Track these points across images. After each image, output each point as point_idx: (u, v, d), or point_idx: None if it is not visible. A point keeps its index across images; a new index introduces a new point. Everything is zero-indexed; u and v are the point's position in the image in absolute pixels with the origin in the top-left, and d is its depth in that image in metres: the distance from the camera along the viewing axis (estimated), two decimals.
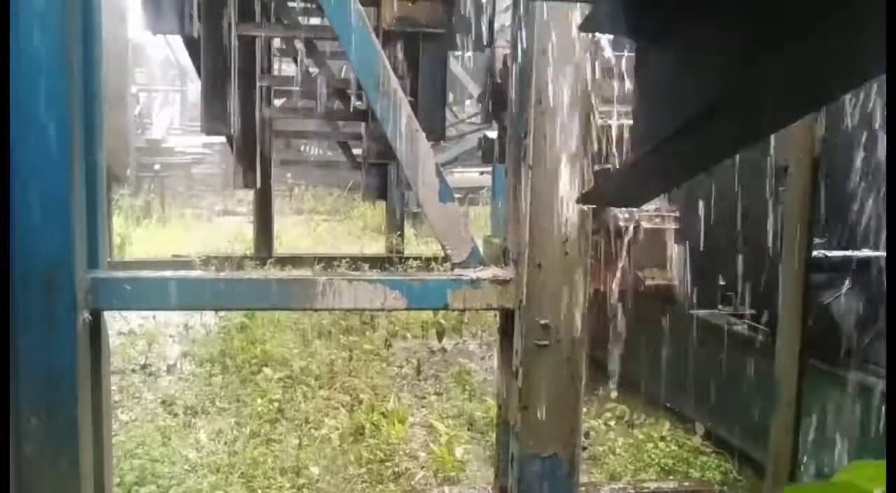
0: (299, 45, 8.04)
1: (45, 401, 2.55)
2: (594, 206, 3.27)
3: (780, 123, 1.14)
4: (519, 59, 2.81)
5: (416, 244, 11.99)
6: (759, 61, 0.75)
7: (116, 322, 6.39)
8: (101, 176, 2.77)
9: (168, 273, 2.87)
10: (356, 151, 9.89)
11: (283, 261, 9.23)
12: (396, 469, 4.07)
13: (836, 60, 0.75)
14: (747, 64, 0.77)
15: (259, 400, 4.87)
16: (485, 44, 7.06)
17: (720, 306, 4.50)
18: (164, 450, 4.13)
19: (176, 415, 4.76)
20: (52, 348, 2.52)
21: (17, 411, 2.54)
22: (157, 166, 17.08)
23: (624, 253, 4.78)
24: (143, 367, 5.75)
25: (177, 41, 11.85)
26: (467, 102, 18.99)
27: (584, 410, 3.28)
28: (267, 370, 5.37)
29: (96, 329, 2.72)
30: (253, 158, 6.52)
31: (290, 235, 12.74)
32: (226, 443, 4.31)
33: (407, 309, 2.86)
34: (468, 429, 4.73)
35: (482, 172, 15.00)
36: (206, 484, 3.74)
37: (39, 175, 2.47)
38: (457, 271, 2.86)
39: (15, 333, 2.50)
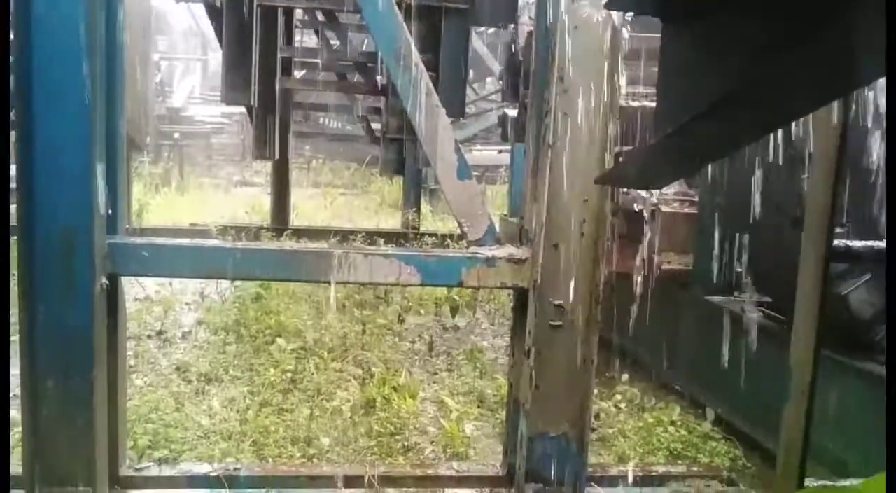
0: (321, 16, 7.99)
1: (62, 363, 2.59)
2: (613, 187, 3.25)
3: (803, 110, 1.13)
4: (542, 37, 2.78)
5: (433, 221, 11.98)
6: (785, 48, 0.73)
7: (133, 288, 6.46)
8: (122, 143, 2.78)
9: (185, 241, 2.89)
10: (375, 126, 9.87)
11: (300, 233, 9.26)
12: (406, 443, 4.10)
13: (860, 51, 0.74)
14: (773, 51, 0.75)
15: (272, 370, 4.91)
16: (507, 20, 6.99)
17: (736, 293, 4.47)
18: (178, 416, 4.18)
19: (190, 382, 4.82)
20: (70, 311, 2.56)
21: (34, 372, 2.58)
22: (176, 135, 17.14)
23: (641, 236, 4.75)
24: (159, 333, 5.81)
25: (199, 9, 11.82)
26: (488, 79, 18.88)
27: (595, 392, 3.29)
28: (280, 341, 5.40)
29: (113, 294, 2.75)
30: (272, 129, 6.52)
31: (307, 207, 12.76)
32: (238, 411, 4.36)
33: (421, 285, 2.86)
34: (478, 406, 4.75)
35: (501, 151, 14.94)
36: (218, 451, 3.79)
37: (61, 141, 2.49)
38: (472, 248, 2.86)
39: (34, 295, 2.54)
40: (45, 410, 2.60)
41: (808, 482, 2.72)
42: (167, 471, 3.06)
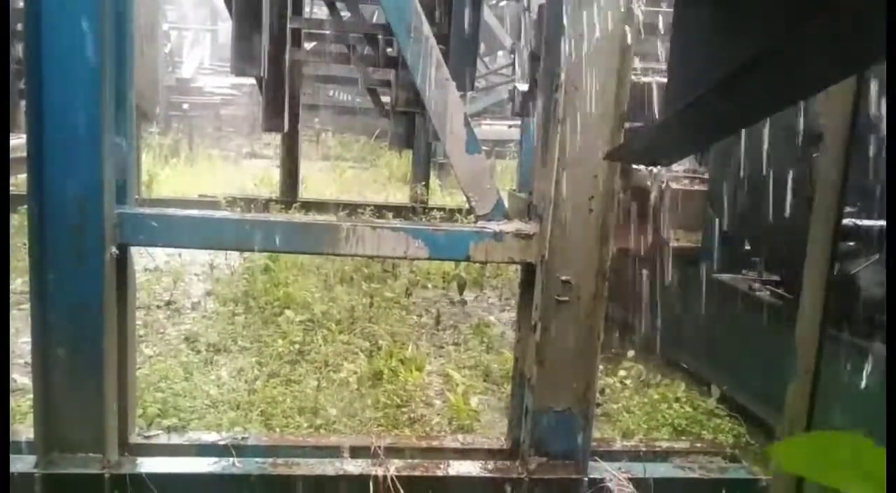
0: None
1: (72, 332, 2.61)
2: (623, 163, 3.23)
3: (820, 85, 1.11)
4: (553, 10, 2.75)
5: (441, 195, 11.97)
6: (803, 19, 0.72)
7: (143, 259, 6.49)
8: (131, 113, 2.78)
9: (194, 212, 2.90)
10: (385, 99, 9.82)
11: (308, 206, 9.27)
12: (412, 415, 4.14)
13: (881, 24, 0.73)
14: (790, 22, 0.74)
15: (280, 341, 4.94)
16: None
17: (744, 271, 4.46)
18: (186, 385, 4.22)
19: (198, 352, 4.86)
20: (81, 280, 2.58)
21: (45, 340, 2.61)
22: (185, 106, 17.11)
23: (650, 213, 4.74)
24: (168, 303, 5.85)
25: None
26: (499, 52, 18.73)
27: (601, 367, 3.30)
28: (289, 313, 5.44)
29: (123, 264, 2.77)
30: (281, 101, 6.49)
31: (316, 180, 12.76)
32: (246, 381, 4.40)
33: (429, 259, 2.87)
34: (484, 380, 4.78)
35: (511, 126, 14.87)
36: (226, 420, 3.83)
37: (71, 110, 2.49)
38: (480, 223, 2.86)
39: (44, 264, 2.56)
40: (55, 377, 2.63)
41: None
42: (176, 439, 3.10)
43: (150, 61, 8.70)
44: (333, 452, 3.01)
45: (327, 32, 7.92)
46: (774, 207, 3.86)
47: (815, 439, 0.72)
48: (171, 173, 12.47)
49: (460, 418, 4.08)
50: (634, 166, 4.78)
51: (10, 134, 5.97)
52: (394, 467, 2.82)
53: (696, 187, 4.96)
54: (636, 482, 2.90)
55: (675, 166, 4.96)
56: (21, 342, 4.25)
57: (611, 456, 3.09)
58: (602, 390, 4.47)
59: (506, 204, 2.96)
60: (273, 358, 4.72)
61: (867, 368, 3.33)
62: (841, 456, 0.71)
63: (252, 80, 10.22)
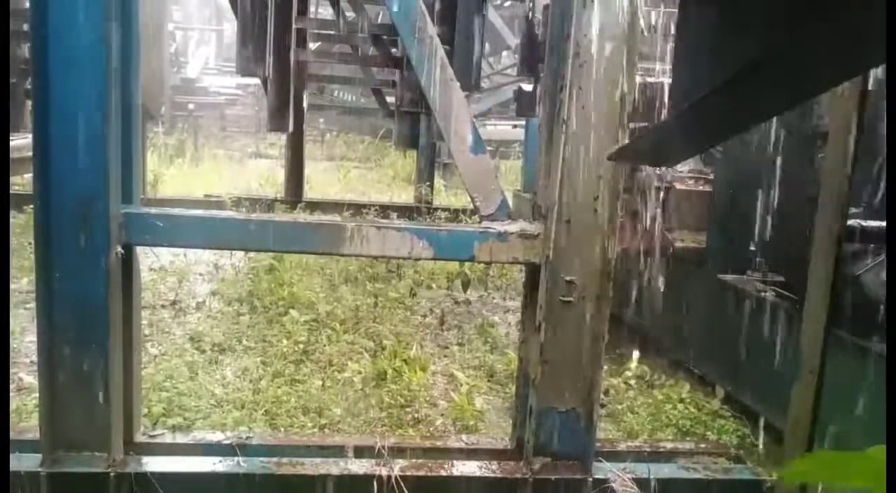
0: None
1: (78, 331, 2.62)
2: (627, 164, 3.23)
3: (827, 84, 1.11)
4: (558, 10, 2.75)
5: (446, 195, 11.97)
6: (808, 19, 0.73)
7: (148, 258, 6.51)
8: (137, 113, 2.79)
9: (200, 212, 2.91)
10: (389, 99, 9.83)
11: (313, 206, 9.29)
12: (416, 415, 4.14)
13: (885, 24, 0.73)
14: (795, 21, 0.74)
15: (284, 341, 4.95)
16: None
17: (749, 272, 4.46)
18: (191, 384, 4.23)
19: (203, 351, 4.87)
20: (86, 279, 2.59)
21: (50, 340, 2.62)
22: (191, 106, 17.15)
23: (654, 214, 4.74)
24: (173, 303, 5.86)
25: None
26: (504, 52, 18.73)
27: (605, 368, 3.30)
28: (293, 313, 5.45)
29: (128, 263, 2.78)
30: (286, 101, 6.50)
31: (321, 180, 12.78)
32: (251, 381, 4.41)
33: (433, 259, 2.87)
34: (488, 380, 4.78)
35: (515, 126, 14.87)
36: (231, 419, 3.84)
37: (77, 111, 2.50)
38: (485, 223, 2.86)
39: (50, 264, 2.57)
40: (61, 376, 2.64)
41: None
42: (180, 438, 3.10)
43: (156, 61, 8.72)
44: (338, 452, 3.01)
45: (333, 33, 7.93)
46: (779, 207, 3.86)
47: (829, 459, 0.70)
48: (177, 173, 12.51)
49: (464, 418, 4.08)
50: (639, 167, 4.78)
51: (17, 134, 5.99)
52: (398, 467, 2.82)
53: (701, 188, 4.95)
54: (640, 482, 2.89)
55: (679, 167, 4.96)
56: (27, 342, 4.27)
57: (615, 457, 3.09)
58: (606, 391, 4.47)
59: (510, 204, 2.96)
60: (277, 358, 4.73)
61: (871, 368, 3.33)
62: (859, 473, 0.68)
63: (257, 81, 10.24)
